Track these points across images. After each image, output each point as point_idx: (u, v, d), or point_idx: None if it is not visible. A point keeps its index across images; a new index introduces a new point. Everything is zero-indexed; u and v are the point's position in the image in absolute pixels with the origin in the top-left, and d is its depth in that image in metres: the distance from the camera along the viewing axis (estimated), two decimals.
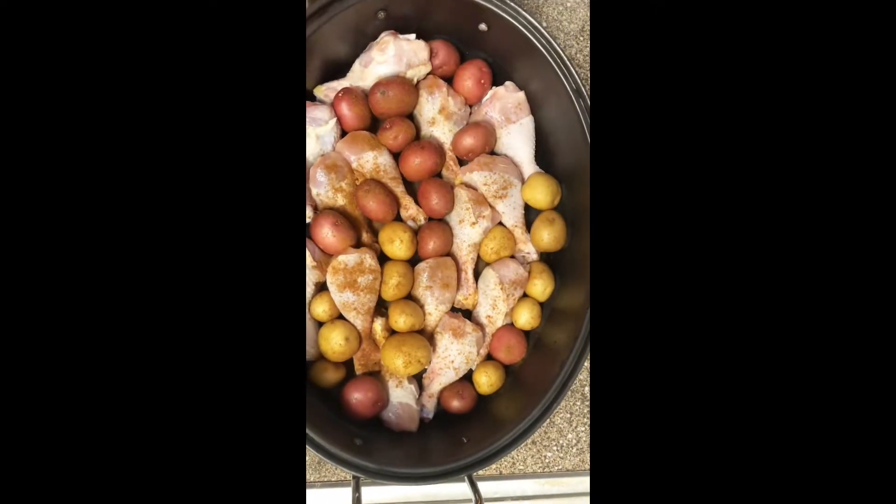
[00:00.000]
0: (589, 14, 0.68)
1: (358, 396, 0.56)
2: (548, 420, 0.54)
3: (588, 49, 0.70)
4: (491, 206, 0.60)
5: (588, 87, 0.58)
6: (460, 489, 0.63)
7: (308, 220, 0.57)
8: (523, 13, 0.56)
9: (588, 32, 0.70)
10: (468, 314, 0.62)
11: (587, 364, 0.63)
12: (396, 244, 0.57)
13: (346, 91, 0.58)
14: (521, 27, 0.56)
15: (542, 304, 0.62)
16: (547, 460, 0.66)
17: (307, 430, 0.50)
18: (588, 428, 0.67)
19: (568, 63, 0.56)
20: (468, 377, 0.61)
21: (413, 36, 0.58)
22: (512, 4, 0.56)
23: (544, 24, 0.56)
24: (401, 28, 0.58)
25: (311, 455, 0.59)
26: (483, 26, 0.58)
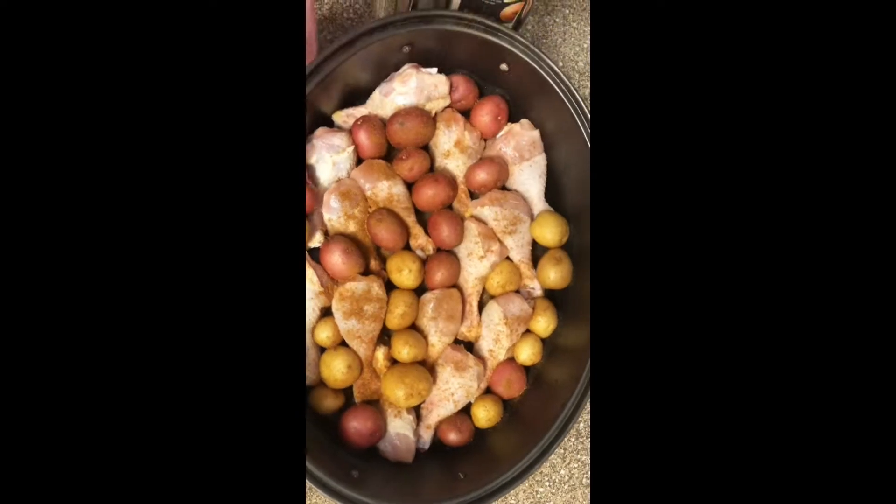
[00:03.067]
0: None
1: (356, 426, 0.56)
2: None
3: None
4: (500, 241, 0.61)
5: None
6: None
7: (318, 245, 0.57)
8: (545, 58, 0.57)
9: None
10: (469, 346, 0.62)
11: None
12: (405, 273, 0.58)
13: (366, 119, 0.58)
14: (541, 71, 0.57)
15: (543, 341, 0.62)
16: (539, 496, 0.66)
17: None
18: (581, 464, 0.67)
19: (584, 106, 0.57)
20: (466, 410, 0.61)
21: (435, 70, 0.59)
22: (534, 49, 0.56)
23: (560, 65, 0.57)
24: (423, 62, 0.59)
25: None
26: (504, 66, 0.59)
